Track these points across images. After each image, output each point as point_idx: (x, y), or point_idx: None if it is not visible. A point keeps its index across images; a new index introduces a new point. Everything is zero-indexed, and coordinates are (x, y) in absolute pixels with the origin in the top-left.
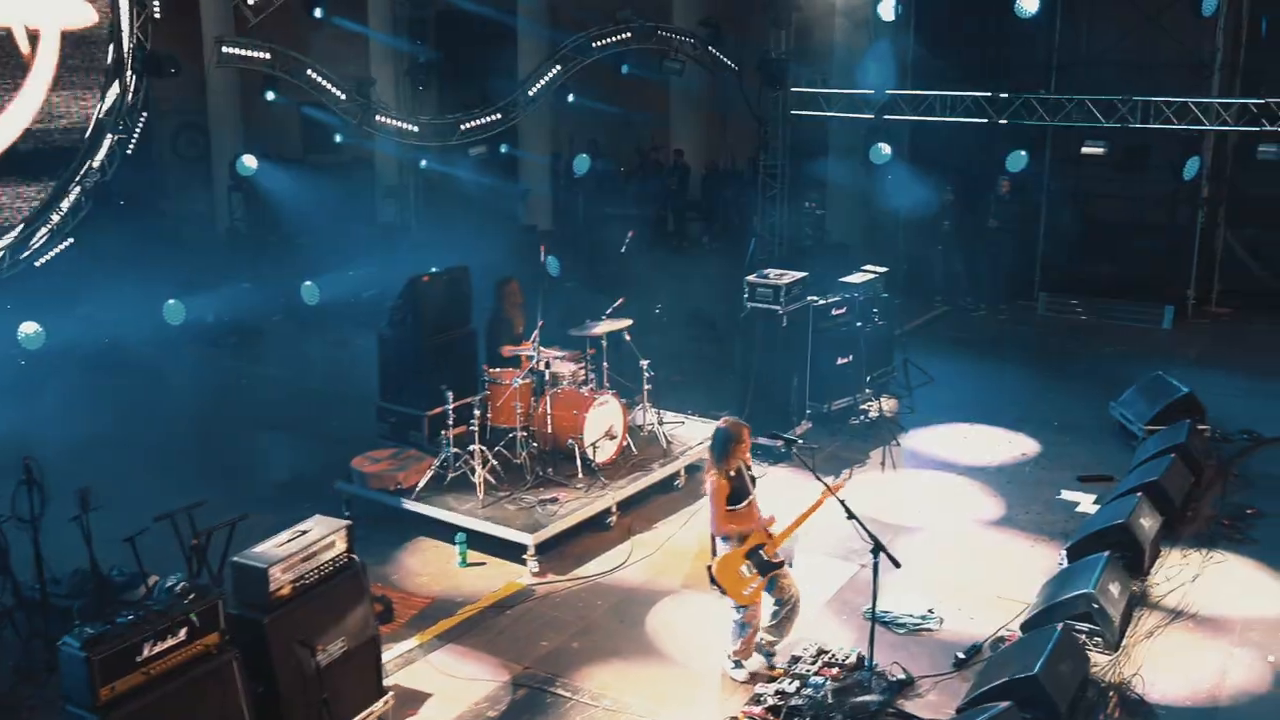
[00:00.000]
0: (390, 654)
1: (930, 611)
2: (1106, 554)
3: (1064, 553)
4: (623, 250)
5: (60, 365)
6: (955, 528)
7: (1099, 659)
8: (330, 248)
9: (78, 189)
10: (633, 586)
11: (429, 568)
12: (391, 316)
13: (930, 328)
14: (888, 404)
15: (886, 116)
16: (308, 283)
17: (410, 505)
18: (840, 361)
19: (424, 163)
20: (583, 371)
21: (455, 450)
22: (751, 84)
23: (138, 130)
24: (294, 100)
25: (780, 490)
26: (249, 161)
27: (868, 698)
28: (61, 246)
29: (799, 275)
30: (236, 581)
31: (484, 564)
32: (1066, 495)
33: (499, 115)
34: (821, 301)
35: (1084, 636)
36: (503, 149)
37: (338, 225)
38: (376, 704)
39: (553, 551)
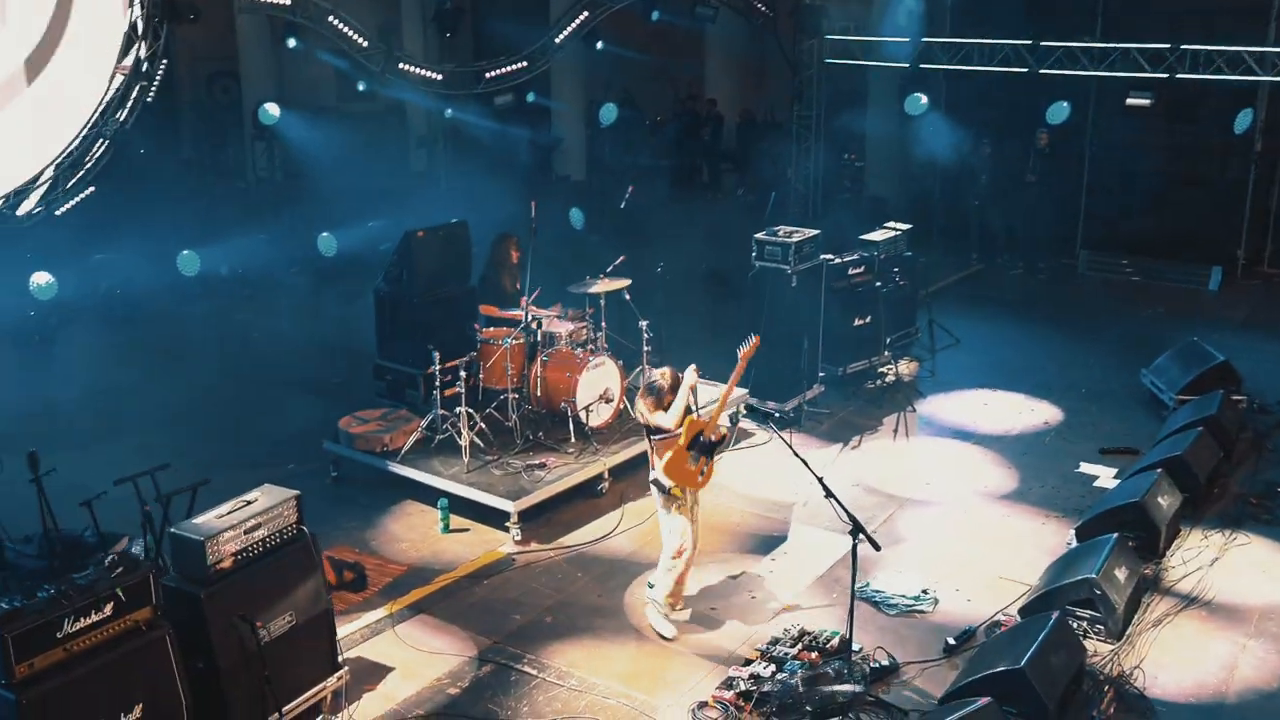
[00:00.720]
0: (358, 624)
1: (925, 592)
2: (1115, 536)
3: (1073, 532)
4: (621, 205)
5: (71, 316)
6: (962, 501)
7: (1101, 648)
8: (356, 198)
9: (99, 138)
10: (617, 557)
11: (411, 533)
12: (387, 272)
13: (962, 287)
14: (907, 368)
15: (922, 65)
16: (325, 234)
17: (395, 468)
18: (857, 323)
19: (449, 112)
20: (582, 331)
21: (442, 412)
22: (786, 31)
23: (158, 78)
24: (315, 47)
25: (778, 458)
26: (271, 110)
27: (842, 687)
28: (82, 196)
29: (811, 233)
30: (174, 554)
31: (467, 530)
32: (1086, 468)
33: (525, 63)
34: (837, 260)
35: (1084, 624)
36: (530, 98)
37: (368, 175)
38: (330, 679)
39: (540, 519)
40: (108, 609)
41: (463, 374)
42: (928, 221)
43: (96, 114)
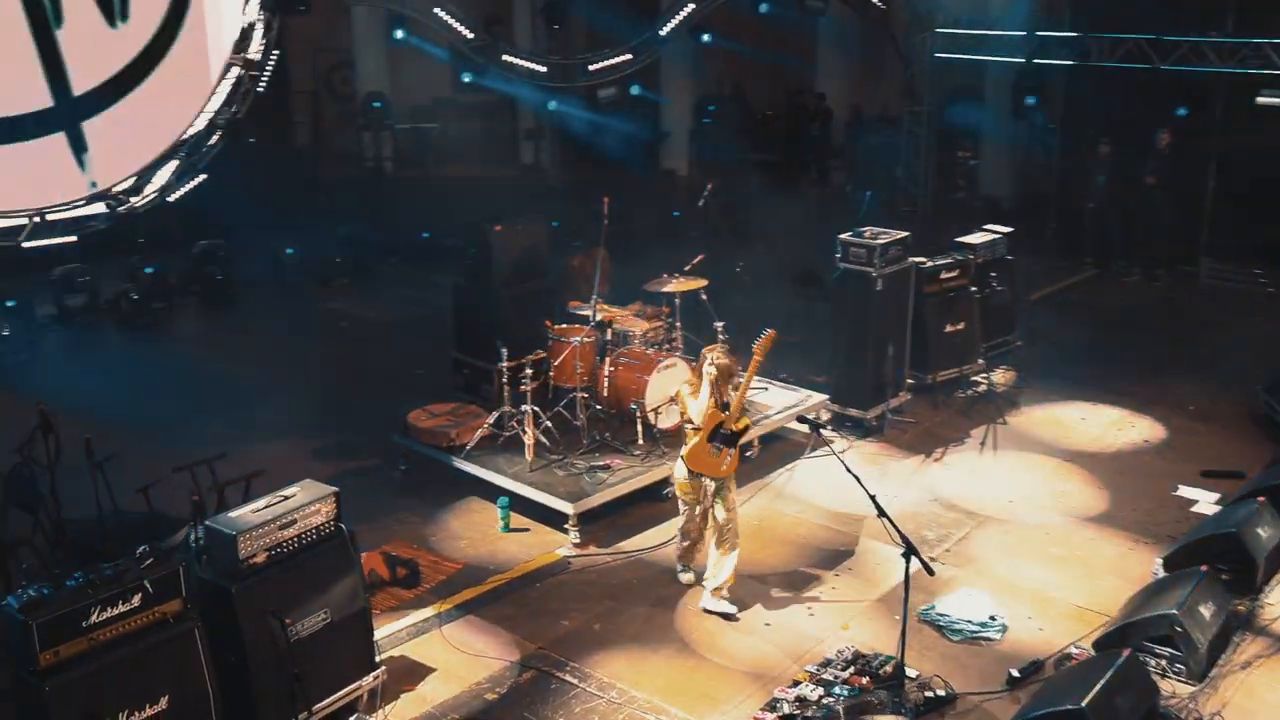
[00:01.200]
0: (405, 622)
1: (993, 618)
2: (1204, 570)
3: (1159, 561)
4: (700, 204)
5: (173, 299)
6: (1045, 521)
7: (1181, 690)
8: (461, 189)
9: (213, 127)
10: (674, 565)
11: (470, 531)
12: (464, 265)
13: (1073, 293)
14: (1003, 377)
15: (1037, 61)
16: (424, 234)
17: (459, 464)
18: (949, 329)
19: (552, 104)
20: (657, 331)
21: (508, 409)
22: (899, 24)
23: (269, 68)
24: (423, 38)
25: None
26: (379, 101)
27: (887, 717)
28: (194, 183)
29: (898, 235)
30: (209, 547)
31: (527, 530)
32: (1184, 492)
33: (629, 56)
34: (929, 263)
35: (1162, 663)
36: (634, 90)
37: (476, 166)
38: (365, 678)
39: (602, 521)
40: (135, 600)
41: (528, 371)
42: (1041, 224)
43: (210, 104)
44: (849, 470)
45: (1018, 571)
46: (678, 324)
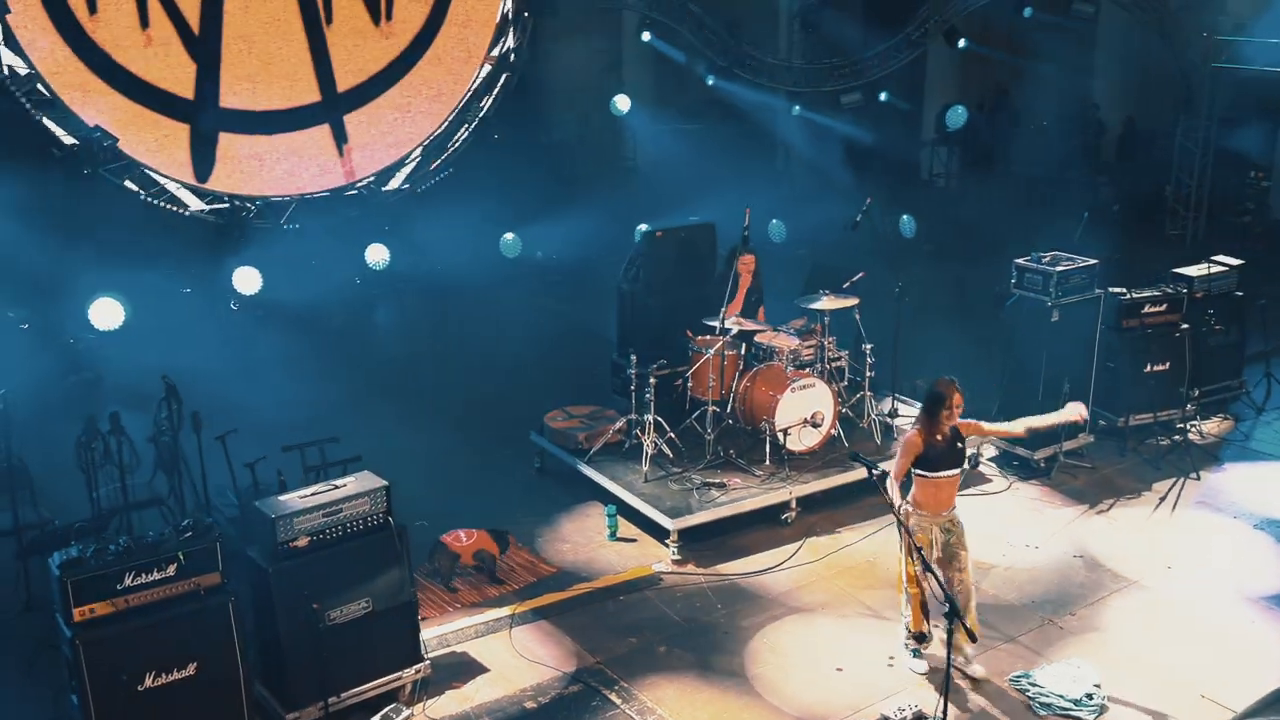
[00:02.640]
0: (480, 618)
1: (1090, 696)
2: None
3: None
4: (855, 223)
5: (396, 288)
6: (1203, 596)
7: None
8: (698, 191)
9: (463, 123)
10: (769, 595)
11: (578, 536)
12: (626, 271)
13: None
14: (1218, 427)
15: None
16: (643, 226)
17: (581, 467)
18: (1150, 369)
19: (796, 109)
20: (808, 350)
21: (634, 417)
22: (1178, 30)
23: (517, 70)
24: (667, 42)
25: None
26: (621, 103)
27: None
28: (441, 176)
29: (1086, 262)
30: (254, 527)
31: (634, 541)
32: None
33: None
34: (1129, 295)
35: None
36: (882, 97)
37: (725, 170)
38: (408, 670)
39: (712, 541)
40: (170, 569)
41: (651, 381)
42: None
43: (464, 100)
44: (898, 517)
45: (1146, 648)
46: (827, 342)
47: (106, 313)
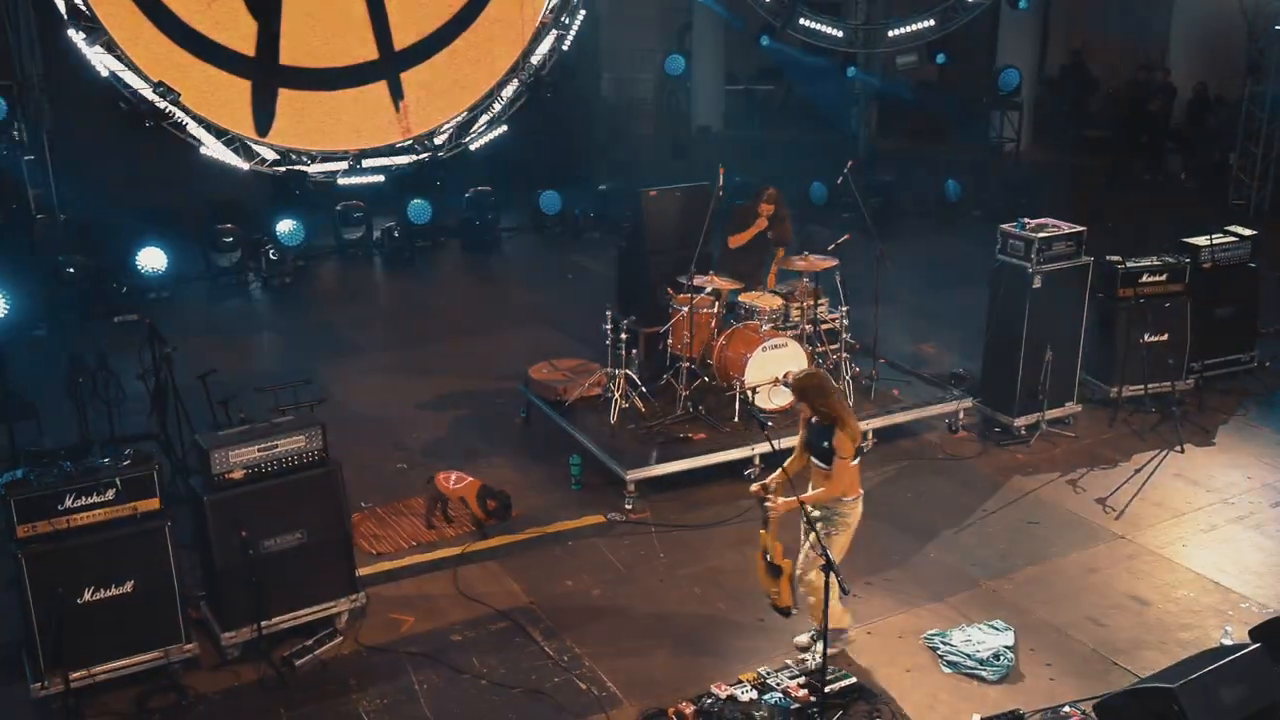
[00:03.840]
0: (430, 556)
1: (997, 657)
2: (1257, 645)
3: (1228, 630)
4: (839, 182)
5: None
6: (1146, 565)
7: None
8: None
9: (516, 80)
10: (710, 547)
11: (546, 484)
12: (623, 229)
13: None
14: (1220, 401)
15: None
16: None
17: (556, 417)
18: (1147, 340)
19: (852, 71)
20: (795, 310)
21: (609, 370)
22: None
23: (574, 29)
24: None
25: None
26: (675, 64)
27: None
28: (496, 133)
29: (1072, 229)
30: (195, 458)
31: (599, 490)
32: None
33: (932, 22)
34: (1126, 265)
35: None
36: (939, 59)
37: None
38: (343, 600)
39: (671, 493)
40: (109, 494)
41: (622, 335)
42: None
43: (519, 59)
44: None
45: (1075, 613)
46: (822, 304)
47: (153, 259)
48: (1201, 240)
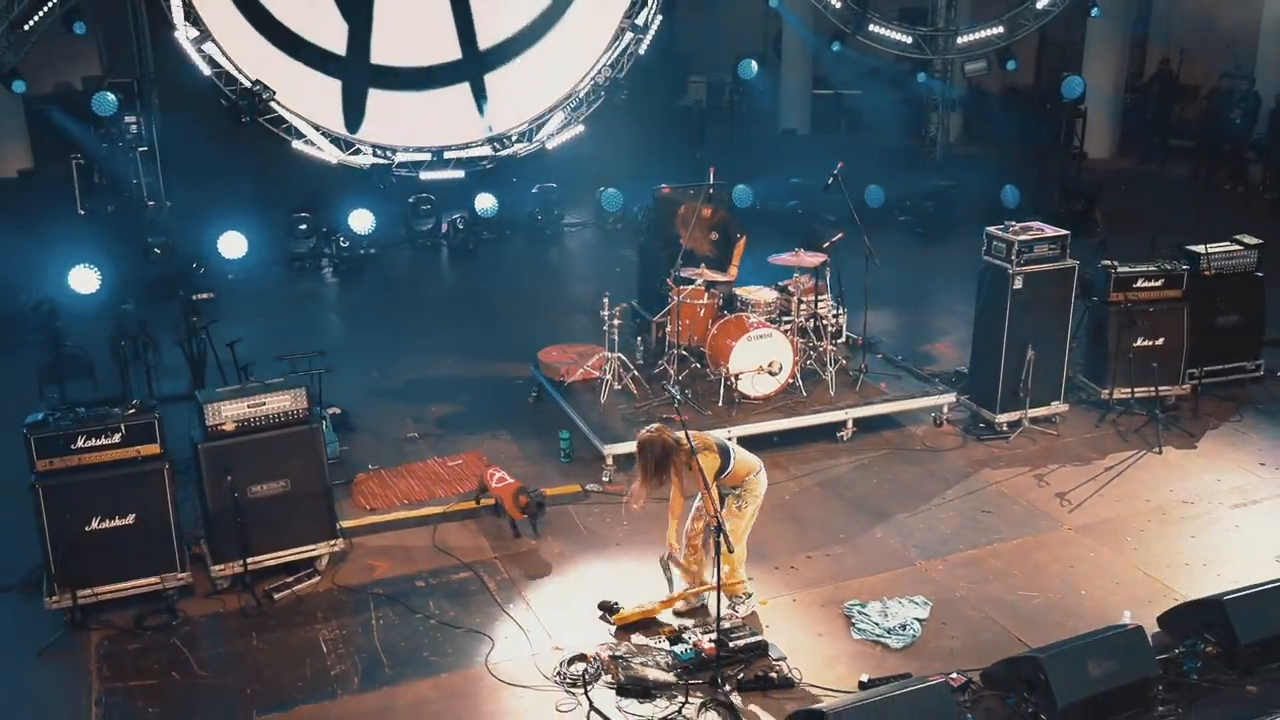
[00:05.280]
0: (417, 512)
1: (904, 627)
2: (1136, 626)
3: (1128, 612)
4: (826, 186)
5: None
6: (1080, 553)
7: None
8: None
9: (595, 85)
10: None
11: (539, 456)
12: (640, 225)
13: None
14: (1216, 407)
15: None
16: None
17: (557, 396)
18: (1140, 344)
19: (921, 76)
20: (792, 303)
21: (605, 353)
22: None
23: (649, 35)
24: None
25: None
26: (749, 68)
27: (654, 672)
28: (573, 132)
29: (1056, 232)
30: (196, 411)
31: (586, 465)
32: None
33: (1001, 29)
34: (1119, 270)
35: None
36: (1010, 65)
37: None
38: (321, 544)
39: None
40: (115, 437)
41: (616, 322)
42: None
43: (598, 63)
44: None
45: (993, 596)
46: (823, 299)
47: (233, 243)
48: (1202, 248)
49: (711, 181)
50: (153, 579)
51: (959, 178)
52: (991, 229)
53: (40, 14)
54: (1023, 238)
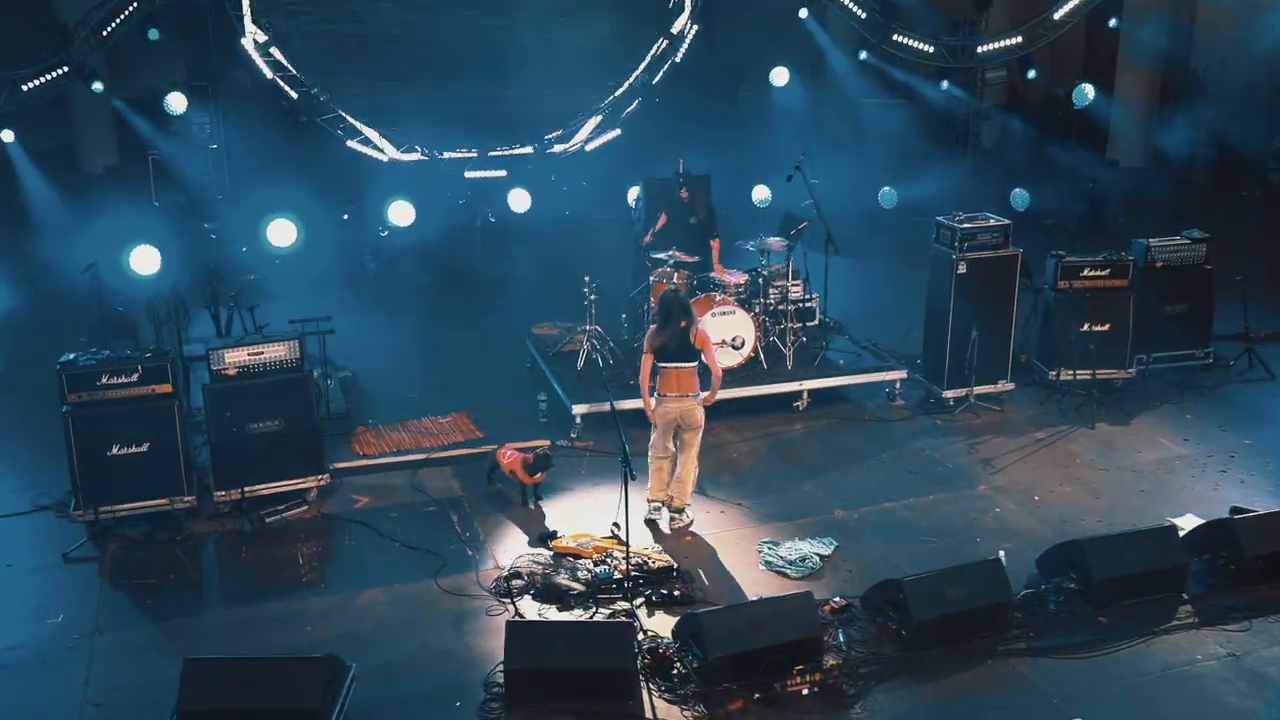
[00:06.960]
0: (405, 458)
1: (805, 560)
2: (997, 557)
3: (1002, 550)
4: (788, 179)
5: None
6: (1004, 504)
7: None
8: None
9: (632, 91)
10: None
11: (520, 416)
12: (633, 214)
13: None
14: (1161, 390)
15: None
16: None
17: (543, 363)
18: (1086, 329)
19: (945, 84)
20: (781, 288)
21: (586, 327)
22: None
23: (685, 45)
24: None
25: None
26: (777, 78)
27: (571, 583)
28: (609, 136)
29: (998, 222)
30: (205, 359)
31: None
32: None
33: (1020, 39)
34: (1065, 258)
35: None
36: (1031, 74)
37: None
38: (311, 478)
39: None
40: (134, 376)
41: (593, 296)
42: None
43: (638, 72)
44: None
45: (897, 541)
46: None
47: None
48: (1156, 241)
49: (681, 170)
50: (162, 500)
51: (977, 181)
52: (940, 218)
53: (118, 20)
54: (965, 226)
